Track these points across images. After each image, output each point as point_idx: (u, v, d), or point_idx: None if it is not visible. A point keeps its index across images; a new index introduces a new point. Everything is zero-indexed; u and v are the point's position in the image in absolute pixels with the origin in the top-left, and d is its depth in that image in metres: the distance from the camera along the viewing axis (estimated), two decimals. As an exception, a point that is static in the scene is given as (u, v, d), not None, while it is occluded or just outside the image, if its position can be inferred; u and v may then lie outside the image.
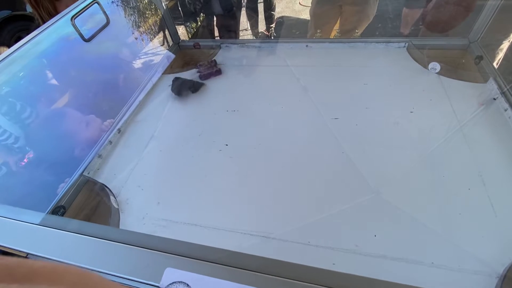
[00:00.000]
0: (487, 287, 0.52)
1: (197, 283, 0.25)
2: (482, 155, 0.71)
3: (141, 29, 1.17)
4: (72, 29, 0.77)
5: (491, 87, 0.86)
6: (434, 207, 0.63)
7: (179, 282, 0.25)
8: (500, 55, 1.03)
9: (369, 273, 0.56)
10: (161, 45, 1.32)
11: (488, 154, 0.72)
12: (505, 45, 1.02)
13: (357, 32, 1.41)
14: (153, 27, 1.26)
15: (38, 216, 0.44)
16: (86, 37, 0.82)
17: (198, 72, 1.10)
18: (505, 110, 0.79)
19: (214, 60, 1.14)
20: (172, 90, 1.04)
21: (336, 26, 1.50)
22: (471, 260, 0.55)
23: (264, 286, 0.26)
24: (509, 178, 0.66)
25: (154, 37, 1.30)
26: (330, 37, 1.49)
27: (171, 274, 0.26)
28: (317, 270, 0.27)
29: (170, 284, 0.26)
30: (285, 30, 2.48)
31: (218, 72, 1.09)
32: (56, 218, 0.63)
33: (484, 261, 0.55)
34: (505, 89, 0.82)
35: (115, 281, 0.28)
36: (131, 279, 0.28)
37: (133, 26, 1.13)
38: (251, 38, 2.31)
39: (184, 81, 1.06)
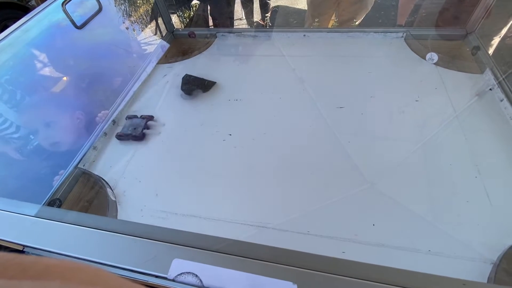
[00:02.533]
0: (482, 273, 0.53)
1: (206, 273, 0.25)
2: (478, 146, 0.72)
3: (134, 17, 1.13)
4: (63, 15, 0.74)
5: (488, 77, 0.86)
6: (430, 197, 0.64)
7: (188, 272, 0.25)
8: (497, 46, 1.03)
9: (369, 261, 0.56)
10: (155, 34, 1.28)
11: (484, 144, 0.73)
12: (502, 36, 1.03)
13: (355, 22, 1.40)
14: (146, 15, 1.22)
15: (34, 208, 0.43)
16: (78, 24, 0.79)
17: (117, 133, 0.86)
18: (501, 101, 0.80)
19: (148, 117, 0.88)
20: (182, 89, 0.97)
21: (334, 16, 1.48)
22: (466, 248, 0.57)
23: (272, 275, 0.26)
24: (505, 168, 0.68)
25: (148, 25, 1.26)
26: (328, 26, 1.48)
27: (179, 264, 0.26)
28: (327, 259, 0.27)
29: (178, 275, 0.25)
30: (280, 19, 2.44)
31: (138, 137, 0.84)
32: (53, 210, 0.62)
33: (479, 249, 0.56)
34: (501, 79, 0.83)
35: (122, 274, 0.27)
36: (138, 271, 0.27)
37: (126, 14, 1.09)
38: (247, 27, 2.27)
39: (195, 79, 0.99)
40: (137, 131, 0.85)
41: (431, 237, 0.59)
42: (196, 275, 0.25)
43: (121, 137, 0.86)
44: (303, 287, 0.25)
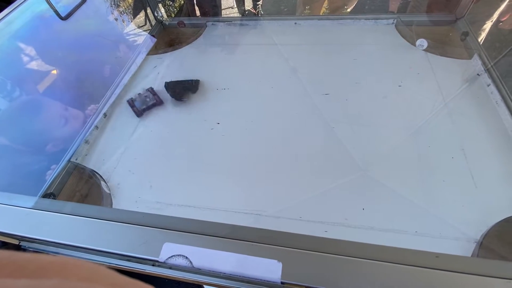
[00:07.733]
0: (466, 252, 0.56)
1: (195, 255, 0.26)
2: (465, 130, 0.74)
3: (121, 7, 1.10)
4: (46, 6, 0.72)
5: (476, 63, 0.88)
6: (418, 181, 0.66)
7: (178, 255, 0.26)
8: (486, 31, 1.04)
9: (358, 243, 0.58)
10: (144, 25, 1.26)
11: (471, 128, 0.74)
12: (490, 21, 1.03)
13: (347, 9, 1.39)
14: (134, 5, 1.20)
15: (30, 200, 0.43)
16: (63, 15, 0.77)
17: (132, 107, 0.90)
18: (488, 85, 0.82)
19: (151, 88, 0.95)
20: (172, 96, 0.93)
21: (325, 4, 1.46)
22: (451, 228, 0.59)
23: (258, 255, 0.27)
24: (489, 151, 0.70)
25: (136, 15, 1.23)
26: (319, 13, 1.46)
27: (169, 248, 0.27)
28: (309, 238, 0.29)
29: (169, 257, 0.26)
30: (271, 7, 2.41)
31: (157, 103, 0.90)
32: (49, 201, 0.62)
33: (463, 229, 0.59)
34: (490, 66, 0.84)
35: (114, 254, 0.28)
36: (131, 255, 0.28)
37: (112, 4, 1.07)
38: (238, 16, 2.23)
39: (178, 83, 0.95)
40: (150, 100, 0.91)
41: (419, 219, 0.61)
42: (186, 257, 0.26)
43: (143, 111, 0.89)
44: (287, 264, 0.26)
